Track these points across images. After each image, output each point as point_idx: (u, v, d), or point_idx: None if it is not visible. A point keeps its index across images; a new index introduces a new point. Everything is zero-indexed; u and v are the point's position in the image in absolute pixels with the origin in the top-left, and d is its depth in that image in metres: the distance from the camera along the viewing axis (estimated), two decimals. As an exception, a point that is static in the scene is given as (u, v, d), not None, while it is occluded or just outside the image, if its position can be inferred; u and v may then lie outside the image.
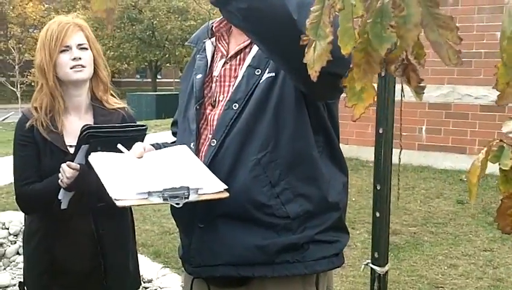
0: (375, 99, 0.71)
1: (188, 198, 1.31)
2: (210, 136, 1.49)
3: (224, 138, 1.44)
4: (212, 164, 1.44)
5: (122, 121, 2.13)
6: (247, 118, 1.42)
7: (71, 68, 2.03)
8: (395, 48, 0.67)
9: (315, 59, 0.71)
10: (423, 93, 0.72)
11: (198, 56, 1.62)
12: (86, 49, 2.08)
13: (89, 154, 1.74)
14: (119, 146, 1.59)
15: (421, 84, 0.72)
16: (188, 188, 1.31)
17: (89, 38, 2.10)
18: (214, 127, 1.48)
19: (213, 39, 1.60)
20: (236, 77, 1.49)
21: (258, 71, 1.43)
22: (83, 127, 1.88)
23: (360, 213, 5.28)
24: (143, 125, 1.98)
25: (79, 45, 2.06)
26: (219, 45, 1.58)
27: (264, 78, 1.42)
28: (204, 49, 1.61)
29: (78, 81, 2.07)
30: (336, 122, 1.53)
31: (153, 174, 1.40)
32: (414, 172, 6.86)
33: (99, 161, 1.49)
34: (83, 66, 2.05)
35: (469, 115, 7.03)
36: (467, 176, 0.81)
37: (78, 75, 2.05)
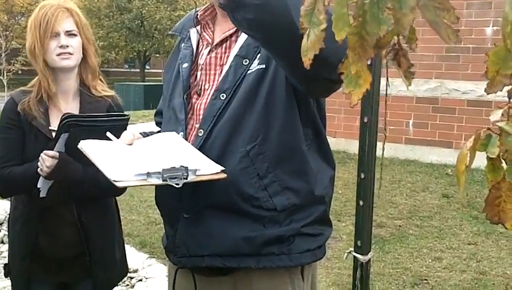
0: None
1: (186, 179, 1.30)
2: (196, 125, 1.48)
3: (212, 128, 1.43)
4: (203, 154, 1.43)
5: (108, 109, 2.12)
6: (235, 108, 1.41)
7: (58, 55, 2.03)
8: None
9: (308, 47, 0.72)
10: (413, 78, 0.73)
11: (183, 45, 1.61)
12: (75, 35, 2.06)
13: (69, 143, 1.72)
14: (108, 134, 1.57)
15: (411, 70, 0.73)
16: (186, 168, 1.30)
17: (79, 24, 2.08)
18: (201, 117, 1.47)
19: (198, 27, 1.59)
20: (222, 65, 1.48)
21: (246, 61, 1.43)
22: (63, 115, 1.87)
23: (346, 206, 5.30)
24: (125, 115, 1.97)
25: (67, 31, 2.04)
26: (204, 33, 1.57)
27: (253, 68, 1.41)
28: (189, 37, 1.59)
29: (64, 68, 2.06)
30: (323, 115, 1.53)
31: (149, 156, 1.39)
32: (400, 165, 6.90)
33: (91, 147, 1.47)
34: (70, 54, 2.04)
35: (456, 109, 7.07)
36: (455, 165, 0.82)
37: (64, 62, 2.04)
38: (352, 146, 7.08)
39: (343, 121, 7.45)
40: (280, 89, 1.39)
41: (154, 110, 1.85)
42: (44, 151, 1.89)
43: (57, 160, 1.88)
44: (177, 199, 1.45)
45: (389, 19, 0.66)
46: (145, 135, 1.63)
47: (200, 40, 1.58)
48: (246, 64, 1.43)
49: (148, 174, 1.29)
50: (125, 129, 1.69)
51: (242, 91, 1.41)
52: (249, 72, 1.42)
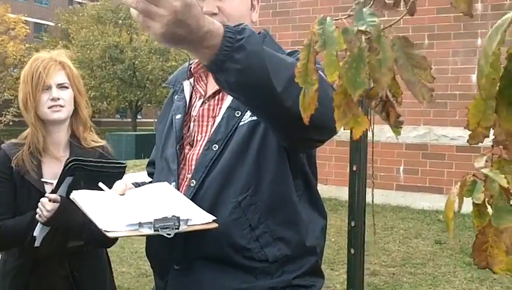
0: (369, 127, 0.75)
1: (178, 228, 1.29)
2: (188, 175, 1.48)
3: (204, 178, 1.43)
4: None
5: (99, 158, 2.12)
6: (227, 159, 1.42)
7: (49, 108, 2.05)
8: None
9: (306, 106, 0.76)
10: (401, 128, 0.75)
11: (176, 97, 1.63)
12: (67, 88, 2.09)
13: (72, 187, 1.71)
14: (101, 184, 1.58)
15: (400, 119, 0.75)
16: (178, 218, 1.29)
17: (70, 77, 2.11)
18: (193, 167, 1.47)
19: (191, 80, 1.61)
20: (214, 117, 1.50)
21: (238, 113, 1.44)
22: (68, 159, 1.88)
23: (339, 254, 5.25)
24: (122, 163, 2.00)
25: (59, 84, 2.07)
26: (197, 86, 1.59)
27: (245, 120, 1.43)
28: (183, 90, 1.62)
29: (55, 120, 2.08)
30: (314, 164, 1.55)
31: (141, 207, 1.39)
32: (393, 212, 6.88)
33: (83, 197, 1.47)
34: (61, 106, 2.06)
35: (445, 155, 7.13)
36: (444, 212, 0.83)
37: (56, 115, 2.06)
38: (344, 193, 7.07)
39: (334, 168, 7.47)
40: (271, 141, 1.41)
41: (146, 160, 1.85)
42: (46, 195, 1.88)
43: (59, 204, 1.87)
44: (168, 250, 1.43)
45: (365, 82, 0.69)
46: (137, 185, 1.63)
47: (193, 92, 1.60)
48: (238, 115, 1.44)
49: (140, 225, 1.28)
50: (123, 175, 1.69)
51: (234, 142, 1.42)
52: (241, 123, 1.43)
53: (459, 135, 6.94)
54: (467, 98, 6.78)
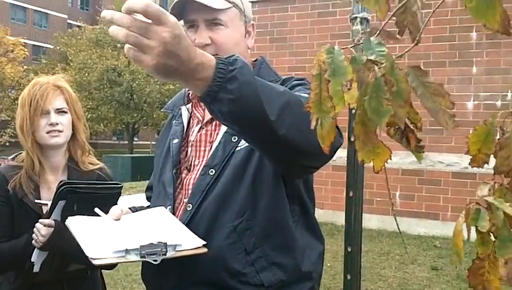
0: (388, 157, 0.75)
1: (165, 254, 1.29)
2: (185, 200, 1.49)
3: (201, 202, 1.44)
4: (189, 228, 1.43)
5: (97, 180, 2.13)
6: (224, 184, 1.43)
7: (47, 133, 2.05)
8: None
9: (324, 135, 0.75)
10: (423, 152, 0.76)
11: (174, 122, 1.65)
12: (65, 112, 2.09)
13: (65, 211, 1.71)
14: (97, 210, 1.58)
15: (420, 144, 0.76)
16: (165, 244, 1.30)
17: (69, 101, 2.11)
18: (190, 191, 1.48)
19: (189, 105, 1.63)
20: (212, 142, 1.52)
21: (234, 138, 1.46)
22: (60, 182, 1.87)
23: (336, 279, 5.23)
24: (118, 184, 1.98)
25: (58, 109, 2.07)
26: (195, 111, 1.61)
27: (242, 145, 1.44)
28: (181, 115, 1.64)
29: (53, 145, 2.09)
30: (311, 190, 1.56)
31: (130, 233, 1.39)
32: (389, 237, 6.87)
33: (77, 224, 1.48)
34: (60, 131, 2.07)
35: (441, 181, 7.15)
36: (453, 240, 0.83)
37: (54, 140, 2.07)
38: (340, 218, 7.06)
39: (330, 193, 7.47)
40: (267, 167, 1.41)
41: (142, 182, 1.86)
42: (40, 220, 1.87)
43: (53, 228, 1.86)
44: (162, 275, 1.43)
45: (389, 110, 0.70)
46: (134, 209, 1.63)
47: (191, 118, 1.62)
48: (234, 141, 1.46)
49: (127, 251, 1.29)
50: (119, 197, 1.70)
51: (231, 167, 1.43)
52: (237, 148, 1.45)
53: (455, 161, 6.97)
54: (463, 125, 6.82)
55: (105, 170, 2.23)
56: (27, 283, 2.00)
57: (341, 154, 1.44)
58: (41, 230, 1.86)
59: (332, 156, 1.25)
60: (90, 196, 1.77)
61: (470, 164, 0.81)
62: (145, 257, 1.28)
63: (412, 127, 0.77)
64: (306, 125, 1.09)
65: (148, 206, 1.69)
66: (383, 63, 0.71)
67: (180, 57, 1.01)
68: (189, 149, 1.56)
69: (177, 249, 1.31)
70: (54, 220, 1.88)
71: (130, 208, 1.61)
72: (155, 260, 1.28)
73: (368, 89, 0.70)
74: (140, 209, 1.64)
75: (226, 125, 1.31)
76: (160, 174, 1.60)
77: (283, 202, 1.44)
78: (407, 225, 7.21)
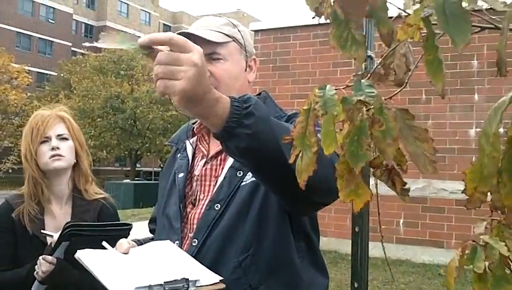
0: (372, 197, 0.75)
1: None
2: (190, 234, 1.49)
3: (206, 238, 1.44)
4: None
5: (101, 210, 2.15)
6: (229, 219, 1.43)
7: (50, 158, 2.07)
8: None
9: (303, 169, 0.76)
10: (408, 195, 0.77)
11: (179, 155, 1.66)
12: (67, 139, 2.12)
13: (69, 250, 1.72)
14: (104, 243, 1.58)
15: (405, 187, 0.77)
16: (187, 280, 1.29)
17: (70, 129, 2.15)
18: (195, 226, 1.48)
19: (193, 139, 1.64)
20: (217, 177, 1.52)
21: (239, 173, 1.46)
22: (66, 224, 1.88)
23: (340, 308, 5.18)
24: (127, 224, 1.98)
25: (59, 135, 2.10)
26: (200, 145, 1.62)
27: (247, 180, 1.45)
28: (185, 148, 1.65)
29: (56, 169, 2.10)
30: (315, 222, 1.56)
31: (148, 267, 1.39)
32: (393, 265, 6.81)
33: (89, 257, 1.47)
34: (61, 156, 2.09)
35: (445, 209, 7.12)
36: (445, 277, 0.84)
37: (56, 164, 2.08)
38: (344, 246, 7.04)
39: (333, 221, 7.44)
40: (273, 202, 1.42)
41: (144, 209, 1.86)
42: (43, 256, 1.88)
43: (54, 266, 1.87)
44: None
45: (367, 155, 0.71)
46: (139, 242, 1.63)
47: (196, 152, 1.63)
48: (239, 175, 1.46)
49: (150, 287, 1.28)
50: (128, 237, 1.70)
51: (236, 202, 1.44)
52: (243, 183, 1.45)
53: (458, 189, 6.94)
54: (465, 152, 6.85)
55: (109, 199, 2.24)
56: None
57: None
58: (43, 266, 1.87)
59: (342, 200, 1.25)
60: (96, 237, 1.78)
61: (465, 206, 0.82)
62: None
63: (397, 170, 0.79)
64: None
65: (152, 239, 1.69)
66: (371, 104, 0.72)
67: (206, 84, 1.06)
68: (194, 184, 1.56)
69: (197, 285, 1.31)
70: (56, 257, 1.89)
71: (133, 240, 1.61)
72: None
73: (351, 131, 0.71)
74: (144, 242, 1.64)
75: (242, 163, 1.30)
76: (165, 206, 1.60)
77: (288, 238, 1.44)
78: (411, 253, 7.16)
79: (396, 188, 0.78)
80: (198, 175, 1.56)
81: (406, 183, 0.78)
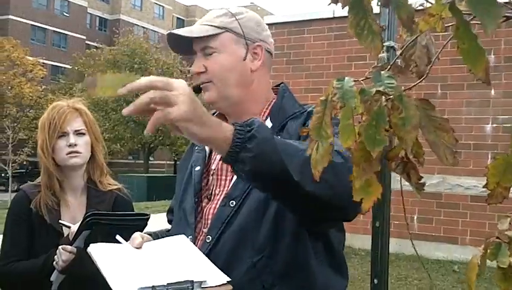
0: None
1: None
2: (204, 230, 1.47)
3: (220, 235, 1.42)
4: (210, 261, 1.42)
5: (115, 201, 2.16)
6: (244, 217, 1.40)
7: (67, 154, 2.08)
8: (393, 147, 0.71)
9: (317, 159, 0.74)
10: (423, 189, 0.75)
11: (196, 148, 1.63)
12: (83, 134, 2.13)
13: (89, 239, 1.73)
14: (118, 237, 1.58)
15: (421, 181, 0.75)
16: (192, 281, 1.28)
17: (87, 123, 2.15)
18: (209, 222, 1.47)
19: None
20: (233, 172, 1.50)
21: None
22: (87, 212, 1.88)
23: (352, 303, 5.16)
24: (145, 214, 1.98)
25: (76, 130, 2.11)
26: None
27: None
28: None
29: (73, 166, 2.11)
30: (341, 226, 1.52)
31: (154, 266, 1.38)
32: (406, 261, 6.77)
33: (99, 252, 1.47)
34: (78, 152, 2.10)
35: (460, 205, 7.06)
36: (459, 273, 0.82)
37: (73, 161, 2.10)
38: (357, 241, 7.01)
39: (346, 216, 7.41)
40: None
41: (157, 202, 1.85)
42: (63, 246, 1.89)
43: (74, 255, 1.88)
44: None
45: (385, 140, 0.70)
46: (155, 235, 1.62)
47: None
48: None
49: (154, 288, 1.27)
50: (144, 228, 1.70)
51: (252, 200, 1.41)
52: None
53: (474, 185, 6.89)
54: (481, 148, 6.77)
55: (124, 190, 2.25)
56: None
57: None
58: (63, 255, 1.88)
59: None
60: (115, 227, 1.78)
61: (487, 201, 0.80)
62: None
63: (414, 162, 0.77)
64: (334, 178, 1.11)
65: (168, 230, 1.68)
66: (391, 95, 0.71)
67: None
68: (211, 178, 1.54)
69: (202, 286, 1.30)
70: (76, 247, 1.89)
71: (150, 234, 1.60)
72: None
73: (370, 116, 0.70)
74: (160, 235, 1.63)
75: (252, 185, 1.31)
76: (182, 200, 1.58)
77: (305, 241, 1.41)
78: (425, 249, 7.11)
79: (411, 181, 0.76)
80: (214, 169, 1.54)
81: (421, 176, 0.76)
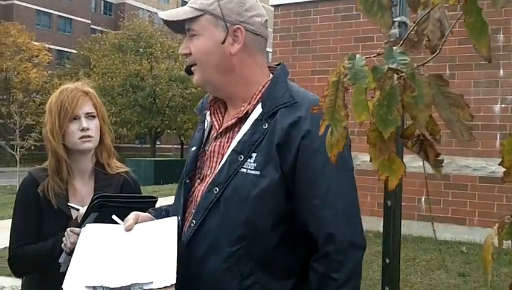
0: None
1: None
2: (193, 211, 1.48)
3: (203, 220, 1.43)
4: (189, 245, 1.43)
5: (123, 184, 2.16)
6: (227, 206, 1.40)
7: (80, 138, 2.07)
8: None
9: (333, 144, 0.73)
10: (442, 166, 0.74)
11: (198, 127, 1.63)
12: (94, 117, 2.12)
13: (98, 221, 1.75)
14: (114, 217, 1.60)
15: (439, 158, 0.74)
16: (129, 287, 1.33)
17: (97, 106, 2.14)
18: (196, 206, 1.47)
19: (209, 112, 1.59)
20: (223, 155, 1.48)
21: (240, 157, 1.42)
22: (95, 194, 1.88)
23: (361, 285, 5.16)
24: (153, 197, 1.98)
25: (87, 114, 2.10)
26: (214, 119, 1.57)
27: (247, 169, 1.40)
28: (204, 121, 1.61)
29: (85, 150, 2.11)
30: None
31: (115, 260, 1.43)
32: (414, 243, 6.78)
33: (86, 236, 1.53)
34: (91, 137, 2.09)
35: (468, 186, 7.04)
36: (482, 254, 0.81)
37: (86, 145, 2.09)
38: (364, 222, 6.96)
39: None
40: (274, 199, 1.38)
41: (164, 186, 1.85)
42: (71, 228, 1.89)
43: None
44: None
45: (397, 120, 0.68)
46: (160, 211, 1.63)
47: (213, 125, 1.59)
48: (240, 160, 1.42)
49: (94, 288, 1.34)
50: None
51: (235, 190, 1.40)
52: (242, 169, 1.41)
53: (482, 166, 6.85)
54: (489, 129, 6.72)
55: (131, 173, 2.25)
56: (52, 287, 2.01)
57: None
58: (71, 237, 1.88)
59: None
60: (123, 209, 1.79)
61: (503, 179, 0.78)
62: None
63: (430, 140, 0.75)
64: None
65: (167, 207, 1.68)
66: (403, 72, 0.70)
67: None
68: (204, 158, 1.54)
69: (144, 288, 1.33)
70: None
71: (156, 209, 1.62)
72: None
73: (381, 96, 0.69)
74: (165, 211, 1.64)
75: None
76: (182, 178, 1.59)
77: (284, 233, 1.40)
78: (432, 230, 7.11)
79: (429, 159, 0.74)
80: (208, 150, 1.54)
81: (439, 153, 0.74)
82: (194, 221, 1.44)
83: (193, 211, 1.48)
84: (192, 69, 1.51)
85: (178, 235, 1.45)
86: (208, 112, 1.59)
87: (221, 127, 1.53)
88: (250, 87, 1.49)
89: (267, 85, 1.49)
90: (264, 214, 1.38)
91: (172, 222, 1.50)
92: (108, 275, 1.37)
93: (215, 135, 1.53)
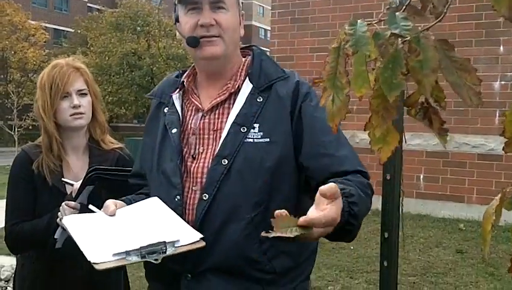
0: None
1: (165, 253, 1.32)
2: (194, 188, 1.50)
3: (217, 192, 1.46)
4: (204, 219, 1.46)
5: (117, 160, 2.14)
6: (240, 175, 1.46)
7: (71, 115, 2.05)
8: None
9: (334, 112, 0.72)
10: (447, 135, 0.71)
11: (167, 110, 1.64)
12: (86, 94, 2.09)
13: (92, 195, 1.72)
14: (91, 206, 1.59)
15: (444, 127, 0.71)
16: (164, 242, 1.32)
17: (88, 82, 2.12)
18: (199, 180, 1.50)
19: (179, 93, 1.64)
20: (216, 130, 1.54)
21: (243, 128, 1.49)
22: (90, 167, 1.88)
23: (359, 262, 5.19)
24: None
25: (79, 90, 2.07)
26: (192, 99, 1.62)
27: (253, 138, 1.48)
28: (173, 103, 1.63)
29: (77, 127, 2.09)
30: None
31: (128, 232, 1.40)
32: (412, 220, 6.80)
33: (73, 223, 1.49)
34: (82, 113, 2.07)
35: (467, 163, 7.03)
36: (482, 224, 0.79)
37: (77, 122, 2.07)
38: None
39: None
40: (287, 165, 1.47)
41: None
42: (66, 202, 1.88)
43: (78, 211, 1.87)
44: (179, 260, 1.44)
45: (402, 84, 0.66)
46: (128, 201, 1.62)
47: (184, 105, 1.63)
48: (243, 131, 1.49)
49: (127, 253, 1.31)
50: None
51: (244, 159, 1.46)
52: (247, 140, 1.48)
53: (481, 143, 6.84)
54: (489, 106, 6.69)
55: (126, 150, 2.24)
56: (48, 262, 2.01)
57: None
58: (66, 211, 1.87)
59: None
60: (119, 182, 1.77)
61: (504, 149, 0.76)
62: (145, 257, 1.30)
63: (435, 107, 0.73)
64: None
65: (138, 194, 1.67)
66: (407, 37, 0.68)
67: None
68: (192, 137, 1.57)
69: (175, 246, 1.34)
70: (79, 203, 1.88)
71: (123, 200, 1.60)
72: (156, 259, 1.31)
73: (386, 59, 0.67)
74: (133, 199, 1.62)
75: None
76: (159, 163, 1.59)
77: (298, 197, 1.50)
78: (431, 208, 7.13)
79: (433, 127, 0.72)
80: (195, 128, 1.57)
81: (444, 121, 0.72)
82: (206, 195, 1.47)
83: (194, 188, 1.50)
84: (207, 40, 1.53)
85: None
86: (176, 94, 1.63)
87: (203, 106, 1.59)
88: (234, 64, 1.61)
89: (247, 63, 1.61)
90: (282, 179, 1.47)
91: (154, 200, 1.51)
92: (130, 241, 1.34)
93: (200, 113, 1.58)
